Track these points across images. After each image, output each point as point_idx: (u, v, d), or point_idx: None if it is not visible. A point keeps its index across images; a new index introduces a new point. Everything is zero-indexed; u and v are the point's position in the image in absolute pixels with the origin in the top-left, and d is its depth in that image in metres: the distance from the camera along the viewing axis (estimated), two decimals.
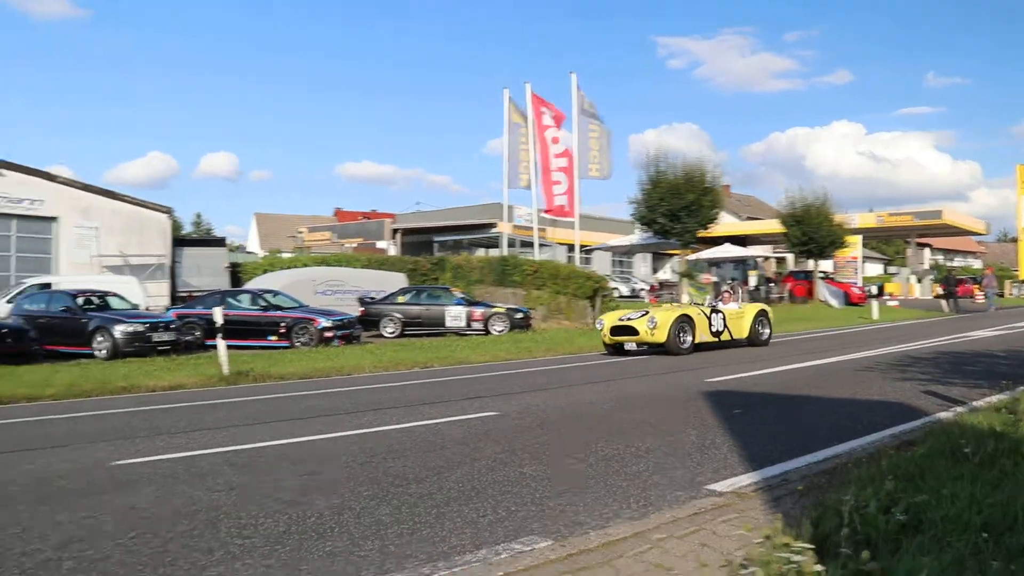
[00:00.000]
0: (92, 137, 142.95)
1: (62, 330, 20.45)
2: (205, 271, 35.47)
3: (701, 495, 5.74)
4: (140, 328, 20.08)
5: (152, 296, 28.75)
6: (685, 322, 17.75)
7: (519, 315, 26.23)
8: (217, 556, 4.66)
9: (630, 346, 17.97)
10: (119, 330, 19.81)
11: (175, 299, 32.06)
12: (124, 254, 33.22)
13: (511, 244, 41.92)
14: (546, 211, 38.24)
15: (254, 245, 73.16)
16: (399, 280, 30.33)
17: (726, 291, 20.69)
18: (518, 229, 43.95)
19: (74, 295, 21.66)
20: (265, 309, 22.83)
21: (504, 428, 8.90)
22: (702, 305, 19.24)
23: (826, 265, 48.96)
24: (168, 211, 36.67)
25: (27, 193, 32.72)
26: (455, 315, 25.81)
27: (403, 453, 7.57)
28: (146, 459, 7.58)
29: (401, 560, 4.52)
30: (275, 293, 24.11)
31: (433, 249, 49.87)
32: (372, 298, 26.78)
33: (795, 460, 6.66)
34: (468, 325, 25.64)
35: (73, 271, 30.84)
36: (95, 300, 21.79)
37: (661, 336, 17.33)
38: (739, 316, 19.37)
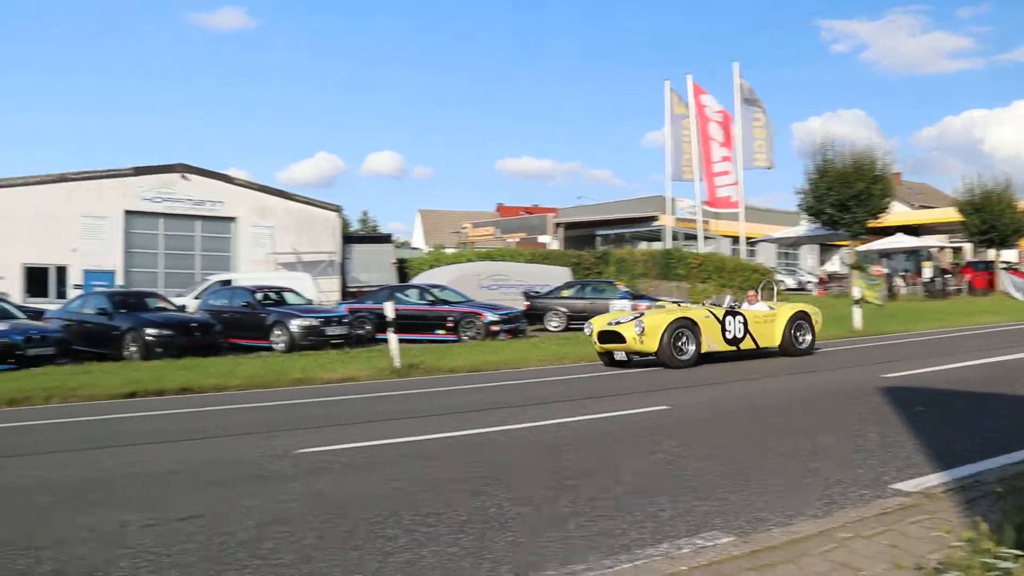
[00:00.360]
0: (264, 140, 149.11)
1: (243, 324, 21.51)
2: (373, 267, 36.54)
3: (887, 494, 5.53)
4: (315, 322, 20.89)
5: (323, 292, 29.82)
6: (685, 327, 14.62)
7: None
8: (403, 542, 4.78)
9: (620, 356, 15.21)
10: (295, 324, 20.65)
11: (345, 294, 33.17)
12: (297, 251, 34.56)
13: (674, 237, 41.53)
14: (708, 203, 37.76)
15: (418, 241, 74.80)
16: (563, 274, 30.45)
17: (751, 292, 17.23)
18: (681, 222, 43.52)
19: (253, 291, 22.72)
20: (433, 304, 23.31)
21: (678, 422, 8.84)
22: (721, 306, 15.75)
23: (1009, 255, 46.41)
24: (337, 209, 37.97)
25: (209, 195, 34.54)
26: (620, 309, 25.71)
27: (578, 446, 7.61)
28: (328, 448, 7.87)
29: (583, 552, 4.53)
30: (442, 288, 24.58)
31: (595, 243, 49.88)
32: (537, 292, 26.99)
33: (988, 460, 6.32)
34: None
35: (251, 268, 32.35)
36: (272, 296, 22.79)
37: (651, 344, 14.40)
38: (767, 320, 15.94)
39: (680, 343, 14.52)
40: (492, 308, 23.33)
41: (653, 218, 48.07)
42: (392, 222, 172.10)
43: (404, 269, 36.84)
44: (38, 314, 21.49)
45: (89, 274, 31.14)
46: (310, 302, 23.79)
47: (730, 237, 44.27)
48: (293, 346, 20.30)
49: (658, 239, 46.21)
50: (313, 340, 20.52)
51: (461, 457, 7.29)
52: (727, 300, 16.08)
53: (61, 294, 30.15)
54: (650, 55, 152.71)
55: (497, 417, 9.68)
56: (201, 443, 8.71)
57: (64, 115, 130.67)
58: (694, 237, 39.47)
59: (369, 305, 23.65)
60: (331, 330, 21.06)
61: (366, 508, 5.57)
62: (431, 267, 33.76)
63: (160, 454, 8.04)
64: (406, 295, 24.14)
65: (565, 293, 26.60)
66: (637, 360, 14.98)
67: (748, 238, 39.31)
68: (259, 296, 22.40)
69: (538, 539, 4.78)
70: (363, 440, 8.26)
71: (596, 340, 15.44)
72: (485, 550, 4.62)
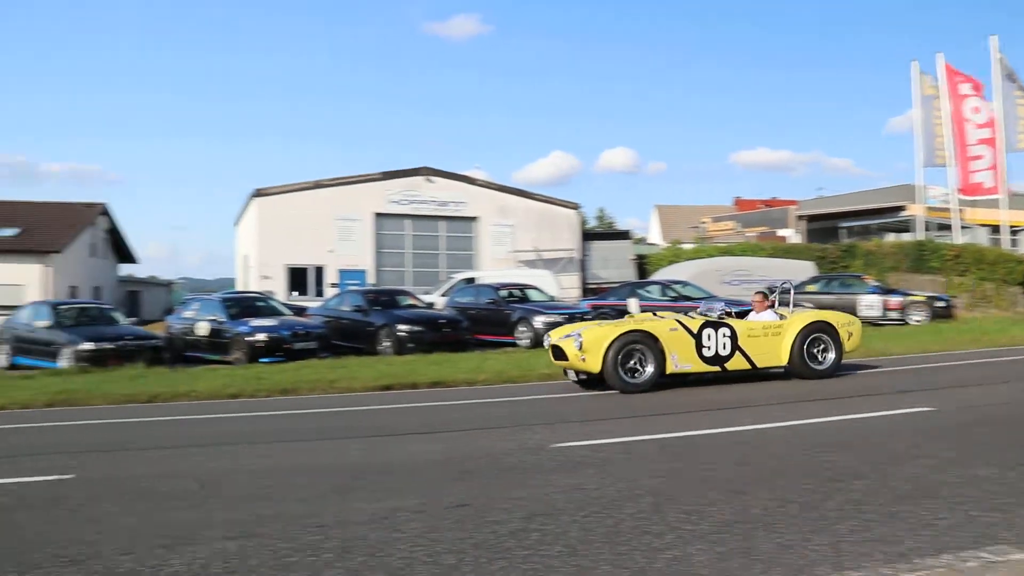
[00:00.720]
0: (501, 141, 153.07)
1: (489, 320, 22.16)
2: (611, 263, 36.74)
3: None
4: (559, 319, 21.13)
5: (564, 288, 30.22)
6: (638, 343, 11.89)
7: (940, 303, 24.57)
8: (668, 539, 4.75)
9: (571, 375, 13.08)
10: (539, 321, 21.02)
11: (586, 291, 33.50)
12: (537, 249, 35.20)
13: (926, 227, 39.35)
14: (961, 191, 35.54)
15: (655, 236, 74.36)
16: (807, 268, 29.47)
17: (756, 297, 14.22)
18: (932, 211, 41.15)
19: (498, 288, 23.37)
20: (675, 300, 23.10)
21: (943, 425, 8.36)
22: (708, 315, 12.96)
23: None
24: (576, 207, 38.39)
25: (452, 196, 35.82)
26: (869, 304, 24.66)
27: (838, 447, 7.33)
28: (583, 443, 7.94)
29: (857, 558, 4.35)
30: (683, 284, 24.35)
31: (839, 235, 47.93)
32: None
33: None
34: (883, 314, 24.44)
35: (493, 266, 33.27)
36: (516, 293, 23.35)
37: (593, 363, 11.81)
38: (770, 333, 12.84)
39: (632, 363, 11.89)
40: (735, 304, 22.87)
41: (901, 208, 45.61)
42: (628, 218, 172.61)
43: (643, 265, 36.79)
44: (300, 311, 23.00)
45: (343, 273, 33.12)
46: (552, 299, 24.18)
47: (989, 226, 41.45)
48: (537, 342, 20.65)
49: (907, 230, 43.82)
50: None
51: (718, 455, 7.18)
52: (719, 307, 13.41)
53: (319, 292, 32.25)
54: (891, 35, 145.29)
55: (750, 416, 9.49)
56: (457, 435, 9.02)
57: (322, 122, 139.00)
58: (948, 227, 37.20)
59: (611, 301, 23.75)
60: None
61: (628, 503, 5.58)
62: (670, 263, 33.54)
63: (420, 444, 8.40)
64: (648, 291, 24.08)
65: (811, 288, 25.74)
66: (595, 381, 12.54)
67: (1011, 227, 36.63)
68: (503, 293, 23.03)
69: (807, 542, 4.64)
70: (616, 436, 8.29)
71: (552, 356, 12.99)
72: (753, 551, 4.53)
